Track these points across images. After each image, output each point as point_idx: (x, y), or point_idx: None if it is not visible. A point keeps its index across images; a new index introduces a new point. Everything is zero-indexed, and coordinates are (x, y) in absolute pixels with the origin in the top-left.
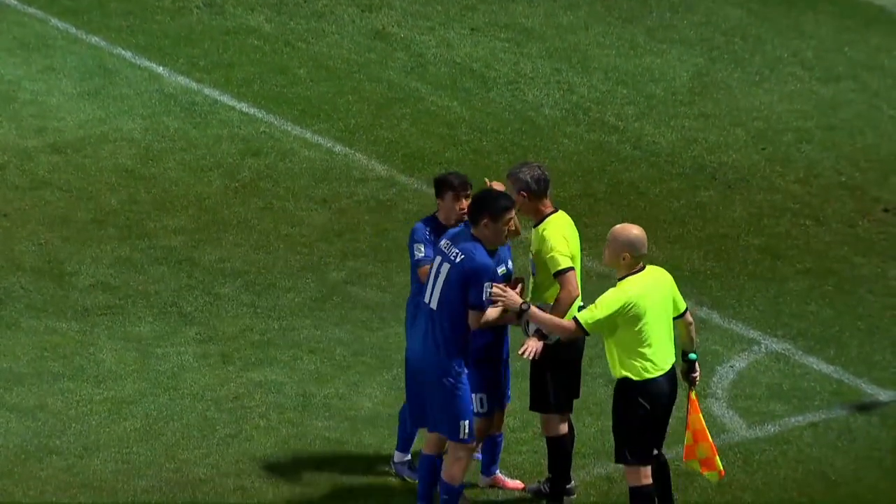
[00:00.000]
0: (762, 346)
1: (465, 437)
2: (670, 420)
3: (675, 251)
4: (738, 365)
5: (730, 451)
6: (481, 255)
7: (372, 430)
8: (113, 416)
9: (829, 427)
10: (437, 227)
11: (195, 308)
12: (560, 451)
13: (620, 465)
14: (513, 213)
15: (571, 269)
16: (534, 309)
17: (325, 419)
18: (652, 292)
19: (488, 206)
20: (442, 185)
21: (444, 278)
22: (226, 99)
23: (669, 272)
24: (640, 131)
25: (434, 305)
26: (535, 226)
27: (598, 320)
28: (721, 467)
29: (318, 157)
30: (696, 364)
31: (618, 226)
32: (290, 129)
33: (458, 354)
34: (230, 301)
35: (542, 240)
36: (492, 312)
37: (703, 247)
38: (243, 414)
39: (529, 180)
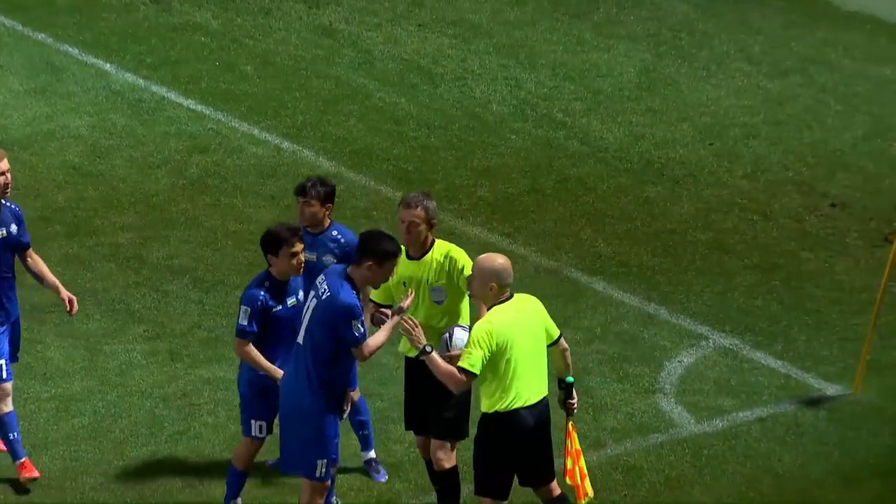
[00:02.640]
0: (710, 341)
1: (322, 475)
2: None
3: (623, 247)
4: (685, 360)
5: (678, 447)
6: (346, 294)
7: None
8: (61, 414)
9: (777, 422)
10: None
11: (143, 305)
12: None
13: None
14: (398, 259)
15: None
16: (434, 355)
17: None
18: (521, 322)
19: (377, 249)
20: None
21: (310, 314)
22: (173, 96)
23: (617, 268)
24: (588, 127)
25: (300, 340)
26: (424, 255)
27: (479, 360)
28: (589, 490)
29: (266, 154)
30: (573, 389)
31: (482, 256)
32: (237, 125)
33: (320, 389)
34: (178, 298)
35: (453, 262)
36: (379, 337)
37: (650, 242)
38: (192, 411)
39: (433, 209)
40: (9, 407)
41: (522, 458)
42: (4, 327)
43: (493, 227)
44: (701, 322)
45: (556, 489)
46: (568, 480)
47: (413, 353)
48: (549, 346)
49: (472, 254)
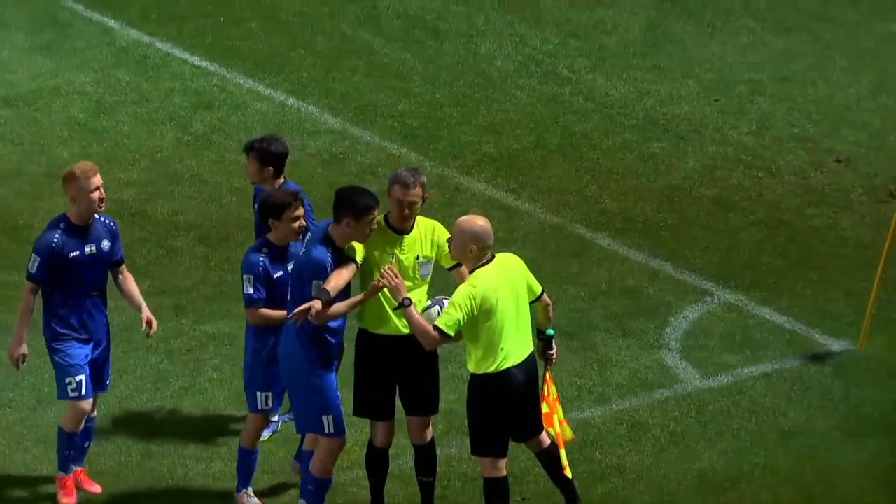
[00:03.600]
0: (715, 297)
1: (331, 431)
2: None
3: (628, 203)
4: (691, 316)
5: (683, 403)
6: (318, 252)
7: None
8: None
9: (782, 377)
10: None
11: (148, 261)
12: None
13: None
14: (377, 212)
15: None
16: (411, 309)
17: None
18: (503, 283)
19: (354, 204)
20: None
21: (292, 272)
22: (178, 52)
23: (622, 224)
24: (593, 83)
25: (289, 298)
26: (412, 229)
27: (458, 321)
28: (567, 433)
29: (271, 111)
30: (553, 341)
31: (462, 218)
32: (242, 82)
33: (311, 346)
34: (183, 254)
35: (438, 235)
36: (340, 307)
37: (655, 198)
38: (197, 367)
39: (426, 184)
40: (77, 428)
41: (515, 414)
42: (88, 346)
43: (498, 184)
44: (706, 278)
45: (546, 440)
46: (547, 428)
47: (383, 330)
48: (532, 303)
49: (478, 210)
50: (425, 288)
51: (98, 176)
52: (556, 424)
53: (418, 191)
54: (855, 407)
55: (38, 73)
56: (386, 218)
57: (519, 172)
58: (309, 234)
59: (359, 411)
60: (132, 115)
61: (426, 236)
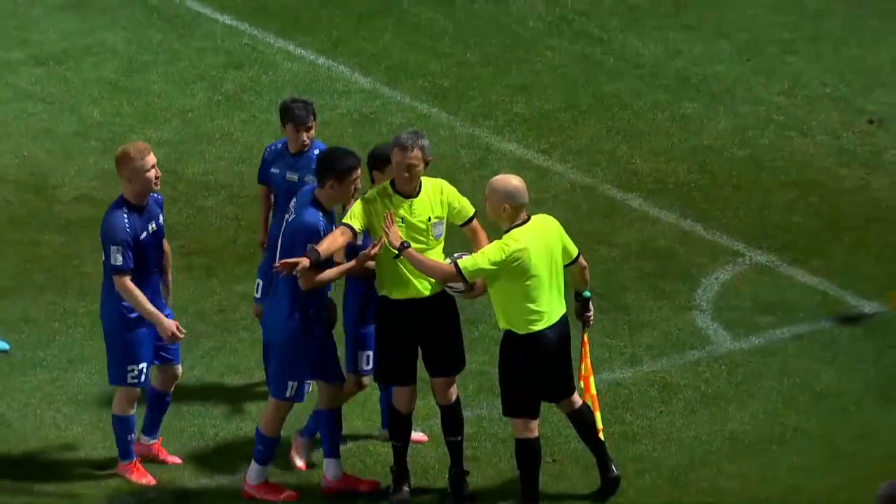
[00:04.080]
0: (747, 258)
1: (291, 396)
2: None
3: (660, 163)
4: (722, 277)
5: (714, 364)
6: (310, 215)
7: None
8: (97, 329)
9: (814, 339)
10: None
11: (178, 221)
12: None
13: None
14: (359, 171)
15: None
16: (411, 250)
17: None
18: (538, 244)
19: (335, 166)
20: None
21: (281, 236)
22: (209, 11)
23: (653, 184)
24: (625, 43)
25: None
26: (420, 192)
27: (480, 269)
28: (600, 426)
29: (302, 70)
30: (590, 303)
31: (496, 177)
32: (273, 41)
33: (294, 310)
34: (214, 214)
35: (447, 194)
36: (331, 272)
37: (687, 159)
38: (228, 326)
39: (428, 147)
40: (133, 410)
41: (547, 376)
42: (153, 327)
43: (529, 144)
44: (737, 239)
45: (578, 400)
46: (586, 393)
47: (404, 294)
48: (569, 265)
49: (508, 170)
50: (440, 248)
51: (152, 154)
52: (593, 387)
53: (417, 153)
54: (886, 369)
55: (69, 33)
56: (392, 183)
57: (550, 133)
58: (294, 199)
59: (382, 377)
60: (163, 74)
61: (434, 196)
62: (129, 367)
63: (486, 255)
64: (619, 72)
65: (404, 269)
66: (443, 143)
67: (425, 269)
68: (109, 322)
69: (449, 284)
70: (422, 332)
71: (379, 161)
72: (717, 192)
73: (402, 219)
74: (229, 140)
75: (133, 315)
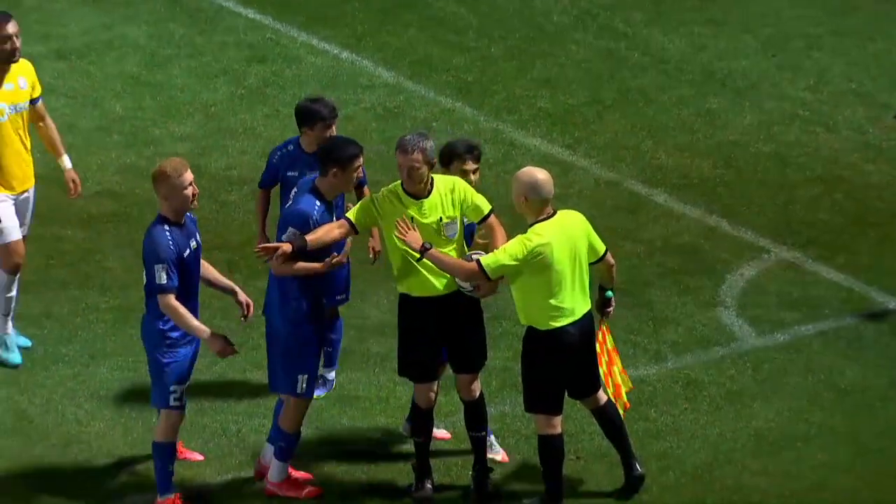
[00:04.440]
0: (772, 254)
1: (303, 391)
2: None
3: (685, 159)
4: (747, 273)
5: (739, 360)
6: (305, 202)
7: (379, 339)
8: (119, 324)
9: (839, 335)
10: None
11: (201, 216)
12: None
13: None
14: (361, 160)
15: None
16: (434, 250)
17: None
18: (561, 239)
19: (338, 154)
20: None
21: (278, 225)
22: (231, 5)
23: (678, 180)
24: (650, 38)
25: None
26: (430, 193)
27: (502, 265)
28: (626, 400)
29: (325, 64)
30: (612, 301)
31: (523, 169)
32: (296, 35)
33: (292, 300)
34: (237, 209)
35: (459, 192)
36: (298, 266)
37: (712, 154)
38: (250, 322)
39: (430, 149)
40: (176, 437)
41: (570, 372)
42: (192, 345)
43: (553, 139)
44: (763, 235)
45: (603, 397)
46: (607, 381)
47: (423, 292)
48: (595, 263)
49: (533, 165)
50: (453, 247)
51: (189, 171)
52: (617, 374)
53: (418, 156)
54: None
55: (91, 27)
56: (403, 185)
57: (574, 128)
58: (295, 188)
59: (403, 372)
60: (185, 68)
61: (446, 196)
62: (172, 389)
63: (507, 251)
64: (643, 67)
65: (421, 267)
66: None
67: (448, 269)
68: (151, 343)
69: (459, 284)
70: (444, 329)
71: (444, 157)
72: (742, 187)
73: (412, 218)
74: (252, 134)
75: (175, 334)
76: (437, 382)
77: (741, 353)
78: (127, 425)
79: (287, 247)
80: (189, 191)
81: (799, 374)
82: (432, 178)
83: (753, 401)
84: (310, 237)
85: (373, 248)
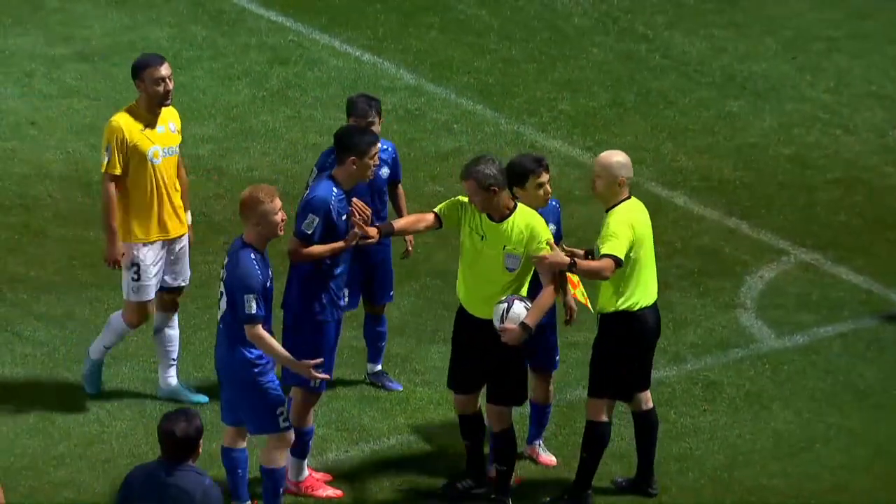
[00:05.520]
0: (791, 255)
1: (317, 386)
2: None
3: (705, 161)
4: (766, 275)
5: (758, 362)
6: (323, 188)
7: (399, 339)
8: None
9: (858, 337)
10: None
11: (224, 217)
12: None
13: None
14: (378, 147)
15: None
16: (580, 261)
17: (354, 329)
18: (645, 220)
19: (355, 143)
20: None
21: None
22: (254, 7)
23: (698, 182)
24: (670, 40)
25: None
26: (504, 219)
27: (621, 244)
28: (584, 296)
29: (347, 66)
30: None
31: (602, 154)
32: (318, 37)
33: (310, 294)
34: None
35: (532, 233)
36: (320, 248)
37: (732, 156)
38: (273, 323)
39: (483, 175)
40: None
41: (641, 358)
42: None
43: (574, 141)
44: (782, 237)
45: (650, 400)
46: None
47: (474, 312)
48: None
49: (553, 167)
50: (510, 280)
51: (278, 197)
52: (581, 295)
53: (470, 183)
54: None
55: (114, 28)
56: None
57: (595, 130)
58: (313, 177)
59: (448, 381)
60: (207, 70)
61: (516, 229)
62: (279, 410)
63: (617, 234)
64: (663, 69)
65: (474, 287)
66: (488, 139)
67: (591, 275)
68: (241, 372)
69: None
70: (486, 353)
71: (515, 177)
72: (762, 189)
73: (483, 236)
74: (274, 136)
75: (263, 360)
76: (472, 396)
77: (760, 355)
78: (148, 425)
79: (374, 231)
80: (279, 216)
81: (818, 375)
82: (516, 206)
83: (772, 402)
84: (397, 224)
85: (410, 244)
